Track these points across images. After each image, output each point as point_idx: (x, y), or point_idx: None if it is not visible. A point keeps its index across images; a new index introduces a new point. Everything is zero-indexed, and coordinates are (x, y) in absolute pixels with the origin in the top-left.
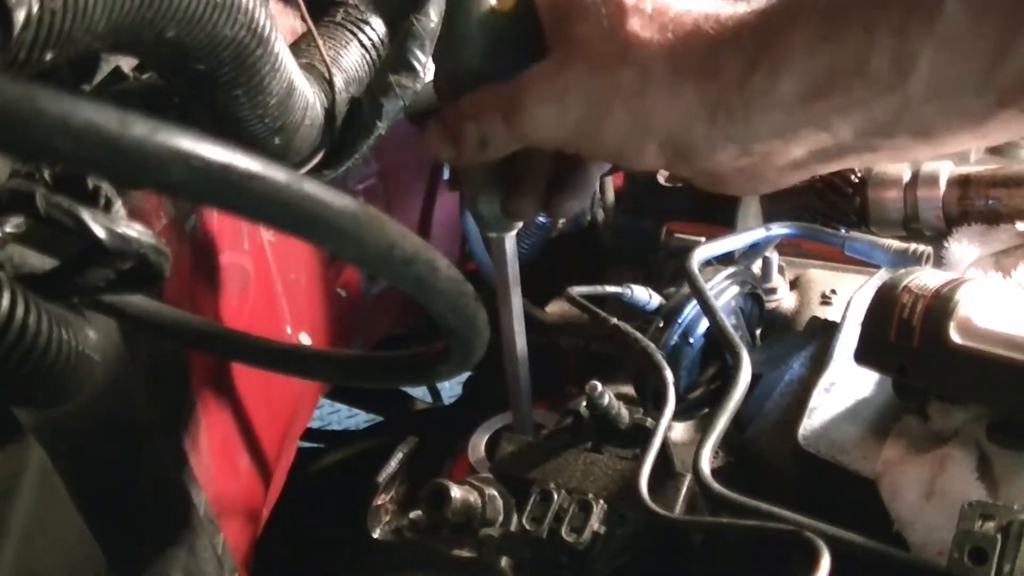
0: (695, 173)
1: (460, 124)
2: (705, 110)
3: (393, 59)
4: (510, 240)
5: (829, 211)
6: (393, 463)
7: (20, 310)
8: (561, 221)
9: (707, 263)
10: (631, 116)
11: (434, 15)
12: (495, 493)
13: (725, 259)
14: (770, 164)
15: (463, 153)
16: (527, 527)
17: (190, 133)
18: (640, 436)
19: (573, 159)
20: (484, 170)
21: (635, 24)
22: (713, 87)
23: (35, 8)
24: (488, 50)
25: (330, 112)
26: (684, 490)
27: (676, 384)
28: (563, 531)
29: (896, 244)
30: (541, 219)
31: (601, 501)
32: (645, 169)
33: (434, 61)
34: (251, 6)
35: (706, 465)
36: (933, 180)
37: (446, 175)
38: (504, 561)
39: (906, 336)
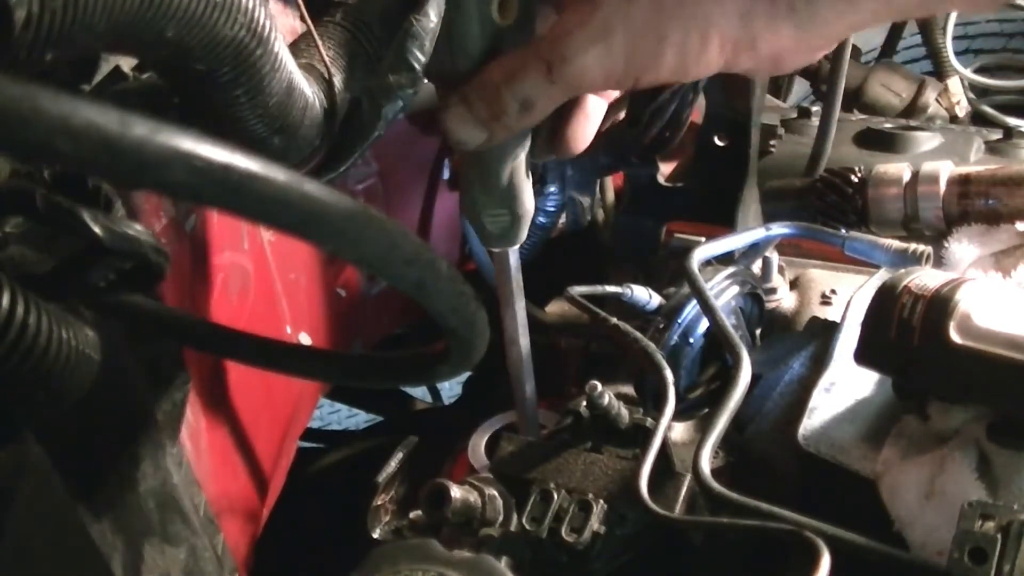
0: (755, 63)
1: (495, 94)
2: (764, 1)
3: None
4: (513, 254)
5: (829, 211)
6: (393, 463)
7: (20, 310)
8: (561, 220)
9: (707, 263)
10: (685, 27)
11: (434, 15)
12: (495, 493)
13: (725, 259)
14: (828, 34)
15: (505, 124)
16: (527, 527)
17: (190, 133)
18: (640, 436)
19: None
20: (488, 179)
21: None
22: None
23: (35, 8)
24: (488, 61)
25: (330, 112)
26: (684, 490)
27: (676, 384)
28: (563, 531)
29: (896, 244)
30: (541, 219)
31: (601, 501)
32: (707, 73)
33: (430, 66)
34: (251, 6)
35: (706, 465)
36: (933, 180)
37: (446, 175)
38: (504, 561)
39: (906, 336)
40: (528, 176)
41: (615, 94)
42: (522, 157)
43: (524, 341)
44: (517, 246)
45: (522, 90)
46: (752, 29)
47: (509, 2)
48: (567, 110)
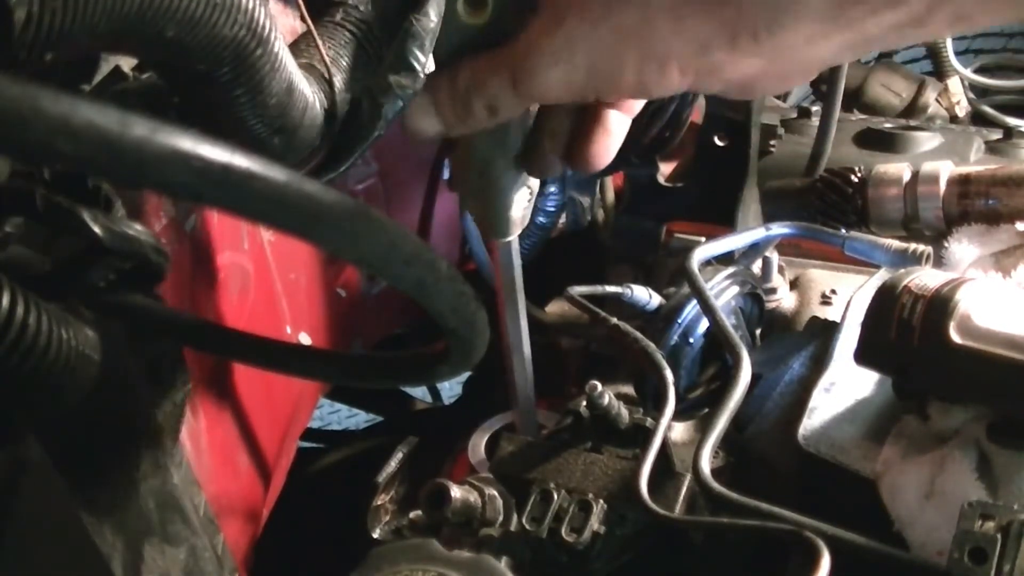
0: (724, 87)
1: (464, 97)
2: (724, 34)
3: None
4: (512, 246)
5: (829, 211)
6: (393, 463)
7: (20, 310)
8: (561, 220)
9: (707, 263)
10: (643, 54)
11: (434, 15)
12: (495, 493)
13: (725, 259)
14: (799, 62)
15: (468, 124)
16: (527, 527)
17: (190, 133)
18: (640, 436)
19: (592, 105)
20: (484, 173)
21: None
22: (728, 10)
23: (35, 8)
24: (456, 58)
25: (330, 112)
26: (684, 490)
27: (676, 384)
28: (563, 531)
29: (896, 244)
30: (541, 219)
31: (601, 501)
32: (672, 93)
33: None
34: (251, 6)
35: (706, 465)
36: (933, 180)
37: (446, 175)
38: (504, 561)
39: (906, 336)
40: (518, 180)
41: (637, 108)
42: (500, 159)
43: (524, 333)
44: (511, 238)
45: (488, 97)
46: (713, 59)
47: (480, 2)
48: (587, 126)
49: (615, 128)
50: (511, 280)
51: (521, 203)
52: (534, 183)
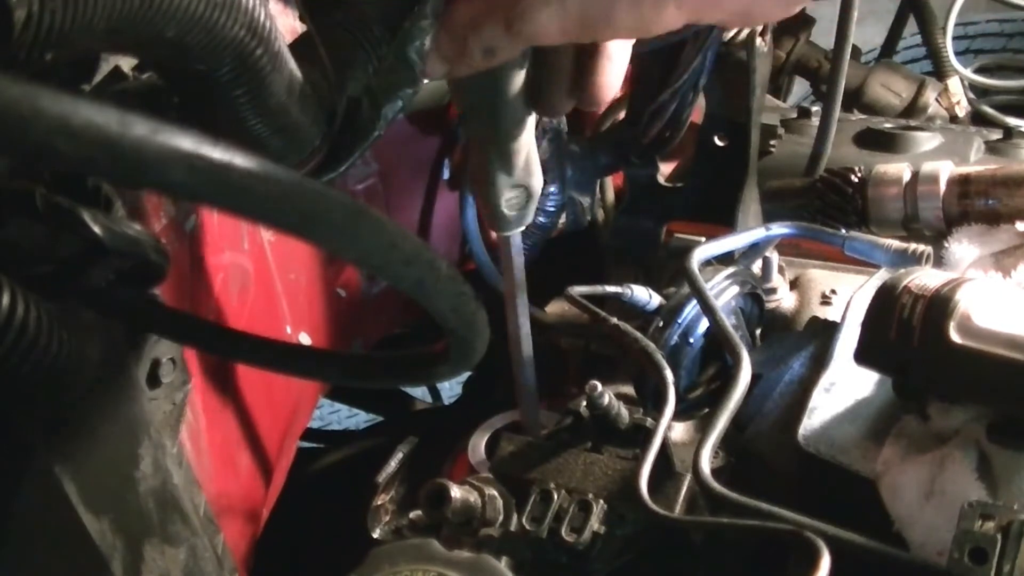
0: (723, 17)
1: (461, 38)
2: None
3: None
4: (515, 240)
5: (829, 211)
6: (393, 463)
7: (20, 310)
8: (561, 220)
9: (707, 263)
10: None
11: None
12: (495, 493)
13: (725, 259)
14: None
15: (468, 64)
16: (527, 527)
17: (190, 133)
18: (640, 436)
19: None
20: (507, 159)
21: None
22: None
23: (35, 8)
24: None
25: (330, 113)
26: (684, 490)
27: (676, 384)
28: (563, 531)
29: (896, 244)
30: (541, 219)
31: (601, 501)
32: (671, 29)
33: None
34: (251, 5)
35: (706, 465)
36: (933, 180)
37: (446, 175)
38: (504, 561)
39: (906, 336)
40: (504, 183)
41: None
42: (532, 131)
43: (526, 322)
44: (512, 233)
45: (484, 39)
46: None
47: None
48: (590, 59)
49: (617, 56)
50: (511, 272)
51: (514, 203)
52: (533, 186)
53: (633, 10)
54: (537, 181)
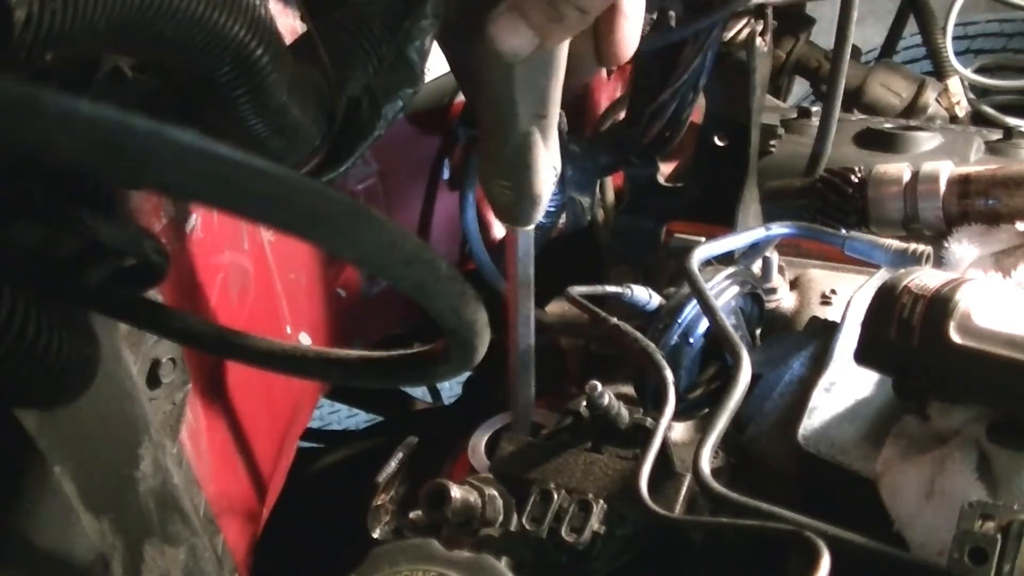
0: None
1: (552, 3)
2: None
3: (393, 59)
4: (525, 238)
5: (829, 211)
6: (393, 463)
7: (20, 310)
8: (561, 220)
9: (707, 263)
10: None
11: (432, 15)
12: (495, 493)
13: (725, 259)
14: None
15: (565, 27)
16: (527, 527)
17: (190, 133)
18: (640, 436)
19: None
20: (497, 146)
21: None
22: None
23: (35, 8)
24: None
25: (330, 113)
26: (684, 490)
27: (676, 384)
28: (563, 531)
29: (896, 244)
30: (541, 219)
31: (601, 501)
32: None
33: None
34: (252, 5)
35: (706, 465)
36: (933, 180)
37: (446, 175)
38: (504, 561)
39: (906, 336)
40: (546, 164)
41: None
42: (537, 137)
43: (530, 323)
44: (527, 228)
45: (575, 1)
46: None
47: None
48: (607, 18)
49: (632, 11)
50: (525, 273)
51: (550, 184)
52: (559, 164)
53: None
54: (530, 186)
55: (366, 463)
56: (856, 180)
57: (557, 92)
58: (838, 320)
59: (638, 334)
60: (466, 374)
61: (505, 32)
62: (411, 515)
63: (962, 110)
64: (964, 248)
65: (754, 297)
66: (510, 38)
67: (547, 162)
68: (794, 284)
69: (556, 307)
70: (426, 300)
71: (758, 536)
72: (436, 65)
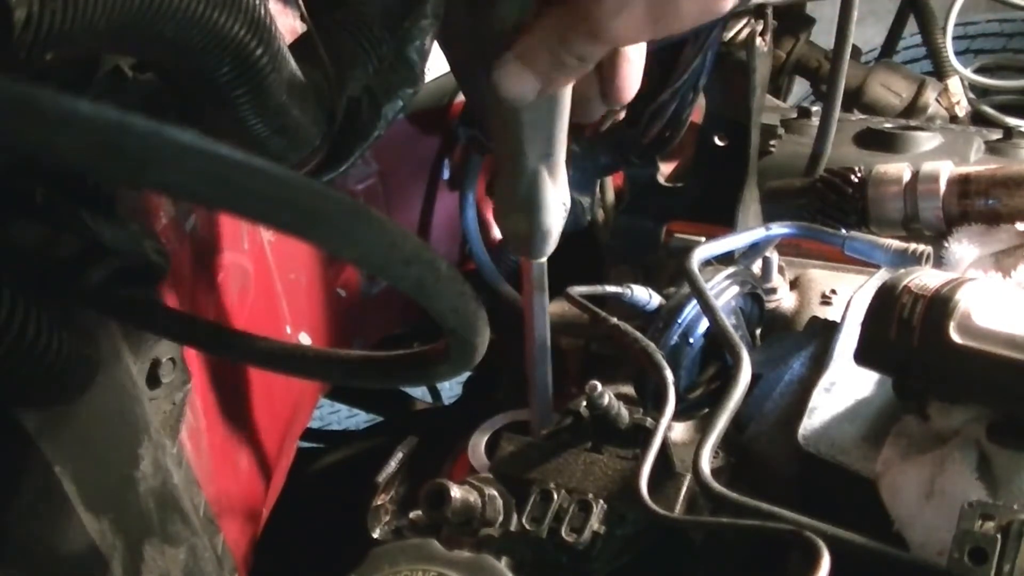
0: None
1: (555, 52)
2: None
3: (393, 59)
4: (538, 267)
5: (829, 211)
6: (393, 463)
7: (20, 310)
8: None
9: (707, 263)
10: None
11: (432, 15)
12: (495, 493)
13: (725, 259)
14: None
15: (565, 74)
16: (527, 527)
17: (190, 133)
18: (640, 436)
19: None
20: (509, 183)
21: None
22: None
23: (35, 8)
24: (523, 19)
25: (330, 113)
26: (684, 490)
27: (676, 384)
28: (563, 531)
29: (896, 244)
30: None
31: (601, 501)
32: (728, 11)
33: (454, 32)
34: (251, 5)
35: (706, 465)
36: (933, 180)
37: (446, 175)
38: (504, 561)
39: (906, 336)
40: (555, 200)
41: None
42: (545, 176)
43: (546, 352)
44: (540, 259)
45: (575, 49)
46: None
47: None
48: (610, 63)
49: (633, 55)
50: (541, 300)
51: (560, 220)
52: (568, 199)
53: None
54: (541, 218)
55: (366, 463)
56: (856, 180)
57: (563, 132)
58: (838, 320)
59: (638, 334)
60: (466, 374)
61: (511, 79)
62: (411, 515)
63: (962, 110)
64: (964, 248)
65: (754, 297)
66: (515, 85)
67: (556, 198)
68: (794, 284)
69: (556, 307)
70: (426, 300)
71: (758, 536)
72: (436, 65)
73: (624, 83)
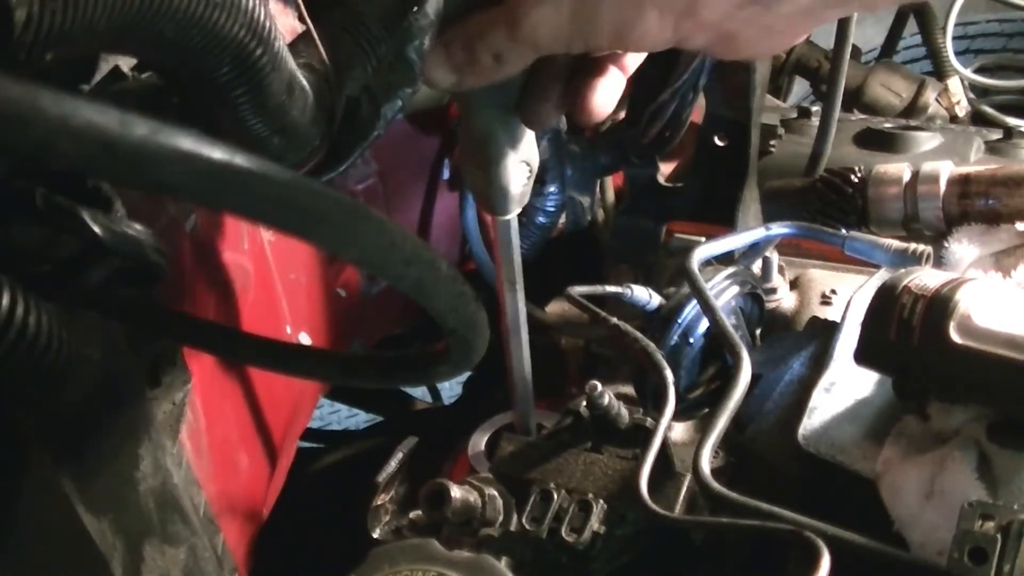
0: (707, 41)
1: (471, 46)
2: None
3: (392, 59)
4: (513, 223)
5: (829, 211)
6: (393, 463)
7: (20, 310)
8: (561, 220)
9: (707, 263)
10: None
11: (432, 15)
12: (495, 493)
13: (725, 259)
14: (778, 12)
15: (478, 72)
16: (527, 527)
17: (190, 134)
18: (640, 436)
19: (592, 61)
20: (485, 145)
21: None
22: None
23: (35, 8)
24: (471, 11)
25: (330, 112)
26: (684, 490)
27: (676, 384)
28: (563, 531)
29: (896, 244)
30: (541, 219)
31: (601, 501)
32: (654, 47)
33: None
34: (251, 5)
35: (706, 465)
36: (933, 180)
37: (446, 175)
38: (504, 561)
39: (906, 336)
40: (513, 161)
41: (633, 66)
42: (500, 135)
43: (522, 316)
44: (505, 217)
45: (491, 45)
46: (696, 3)
47: None
48: (584, 74)
49: (613, 76)
50: (510, 260)
51: (520, 180)
52: (533, 161)
53: (615, 22)
54: (536, 156)
55: (366, 463)
56: (856, 180)
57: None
58: (838, 320)
59: (638, 334)
60: (466, 374)
61: (430, 63)
62: (411, 515)
63: (962, 110)
64: (964, 248)
65: (754, 297)
66: (432, 70)
67: (514, 159)
68: (794, 284)
69: (556, 307)
70: (426, 300)
71: (758, 536)
72: None
73: (591, 101)
